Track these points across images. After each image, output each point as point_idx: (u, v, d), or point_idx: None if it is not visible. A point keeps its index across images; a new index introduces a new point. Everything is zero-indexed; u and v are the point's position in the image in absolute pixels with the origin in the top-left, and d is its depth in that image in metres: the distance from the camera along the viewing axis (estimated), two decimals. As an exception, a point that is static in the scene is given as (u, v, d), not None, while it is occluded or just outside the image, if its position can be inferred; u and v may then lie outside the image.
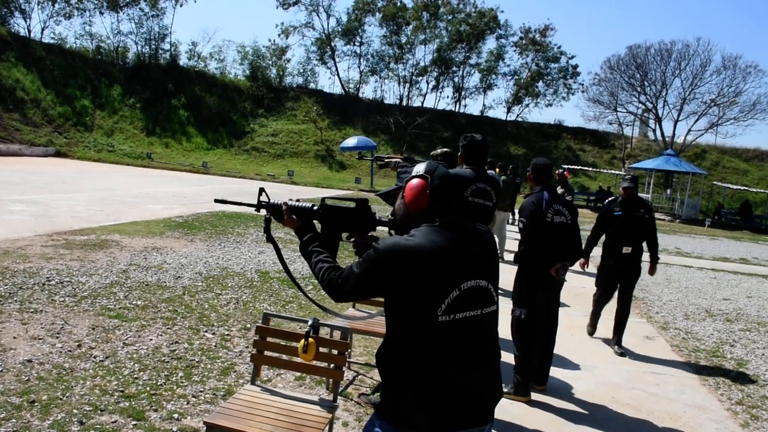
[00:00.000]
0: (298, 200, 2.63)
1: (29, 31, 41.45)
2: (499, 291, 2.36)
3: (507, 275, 5.94)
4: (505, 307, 4.40)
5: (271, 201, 2.65)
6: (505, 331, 4.22)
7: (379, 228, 2.58)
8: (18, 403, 3.85)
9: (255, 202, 2.70)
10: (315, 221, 2.57)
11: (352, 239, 2.59)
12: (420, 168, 2.22)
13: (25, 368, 4.39)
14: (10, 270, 7.03)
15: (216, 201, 2.94)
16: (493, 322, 2.21)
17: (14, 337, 4.97)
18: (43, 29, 42.90)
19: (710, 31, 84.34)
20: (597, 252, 6.81)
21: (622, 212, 6.40)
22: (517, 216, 5.21)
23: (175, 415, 3.93)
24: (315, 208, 2.58)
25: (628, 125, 43.35)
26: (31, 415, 3.71)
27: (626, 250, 6.35)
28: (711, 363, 6.38)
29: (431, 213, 2.15)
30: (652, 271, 6.68)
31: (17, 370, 4.34)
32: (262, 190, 2.70)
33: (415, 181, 2.19)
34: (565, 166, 31.63)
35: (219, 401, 4.17)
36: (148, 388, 4.29)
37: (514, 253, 5.10)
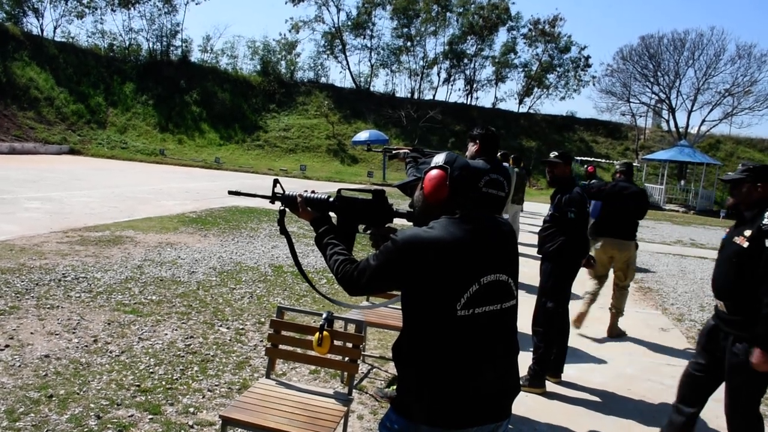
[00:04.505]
0: (313, 192, 2.59)
1: (42, 30, 41.71)
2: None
3: (521, 268, 5.89)
4: (521, 300, 4.38)
5: (286, 192, 2.61)
6: (520, 324, 4.20)
7: (396, 220, 2.55)
8: (36, 397, 3.89)
9: (269, 194, 2.67)
10: (331, 213, 2.53)
11: (369, 231, 2.54)
12: (440, 159, 2.18)
13: (43, 363, 4.43)
14: (26, 266, 7.09)
15: (230, 192, 2.90)
16: (512, 317, 2.17)
17: (32, 333, 5.02)
18: (55, 28, 43.14)
19: (724, 19, 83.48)
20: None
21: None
22: (549, 208, 5.13)
23: (191, 409, 3.96)
24: (331, 199, 2.54)
25: (641, 116, 42.98)
26: (49, 410, 3.75)
27: (719, 304, 3.53)
28: (728, 354, 6.31)
29: (451, 205, 2.11)
30: (759, 362, 3.16)
31: (35, 365, 4.38)
32: (276, 181, 2.67)
33: (434, 172, 2.14)
34: (581, 159, 31.50)
35: (234, 395, 4.19)
36: (163, 383, 4.32)
37: (548, 247, 5.00)
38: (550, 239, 4.88)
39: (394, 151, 4.72)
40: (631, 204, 6.40)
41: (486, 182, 4.27)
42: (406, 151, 4.55)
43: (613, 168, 37.69)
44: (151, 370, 4.51)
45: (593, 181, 11.02)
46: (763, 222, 3.27)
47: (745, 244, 3.33)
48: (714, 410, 4.75)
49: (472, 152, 4.32)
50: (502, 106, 46.26)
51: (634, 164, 36.47)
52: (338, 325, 3.84)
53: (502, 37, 56.36)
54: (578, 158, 32.85)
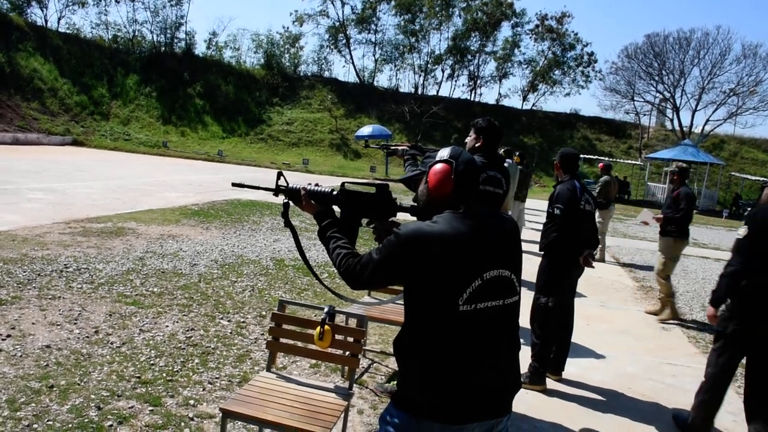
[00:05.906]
0: (317, 185, 2.56)
1: (46, 21, 41.74)
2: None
3: (524, 264, 5.88)
4: (523, 296, 4.37)
5: (290, 185, 2.58)
6: (521, 320, 4.19)
7: (399, 214, 2.53)
8: (37, 387, 3.89)
9: (273, 187, 2.65)
10: (334, 206, 2.51)
11: (372, 225, 2.52)
12: (444, 153, 2.16)
13: (44, 354, 4.44)
14: (28, 257, 7.10)
15: (233, 185, 2.87)
16: (514, 312, 2.15)
17: (33, 323, 5.02)
18: (59, 19, 43.38)
19: (730, 19, 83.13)
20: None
21: None
22: (546, 203, 5.15)
23: (191, 401, 3.96)
24: (334, 193, 2.51)
25: (645, 115, 42.95)
26: (50, 400, 3.75)
27: None
28: (729, 354, 6.30)
29: (455, 199, 2.09)
30: (709, 314, 4.15)
31: (36, 356, 4.38)
32: (280, 174, 2.65)
33: (439, 166, 2.12)
34: (585, 156, 31.36)
35: (235, 388, 4.19)
36: (164, 375, 4.32)
37: (542, 243, 5.02)
38: (545, 235, 4.90)
39: (392, 148, 4.68)
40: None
41: (483, 179, 4.22)
42: (405, 147, 4.51)
43: (616, 166, 37.72)
44: (151, 362, 4.51)
45: (603, 178, 11.05)
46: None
47: None
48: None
49: (471, 143, 4.24)
50: (505, 102, 46.25)
51: (637, 162, 36.49)
52: (339, 320, 3.83)
53: (505, 32, 56.10)
54: (582, 156, 32.76)
